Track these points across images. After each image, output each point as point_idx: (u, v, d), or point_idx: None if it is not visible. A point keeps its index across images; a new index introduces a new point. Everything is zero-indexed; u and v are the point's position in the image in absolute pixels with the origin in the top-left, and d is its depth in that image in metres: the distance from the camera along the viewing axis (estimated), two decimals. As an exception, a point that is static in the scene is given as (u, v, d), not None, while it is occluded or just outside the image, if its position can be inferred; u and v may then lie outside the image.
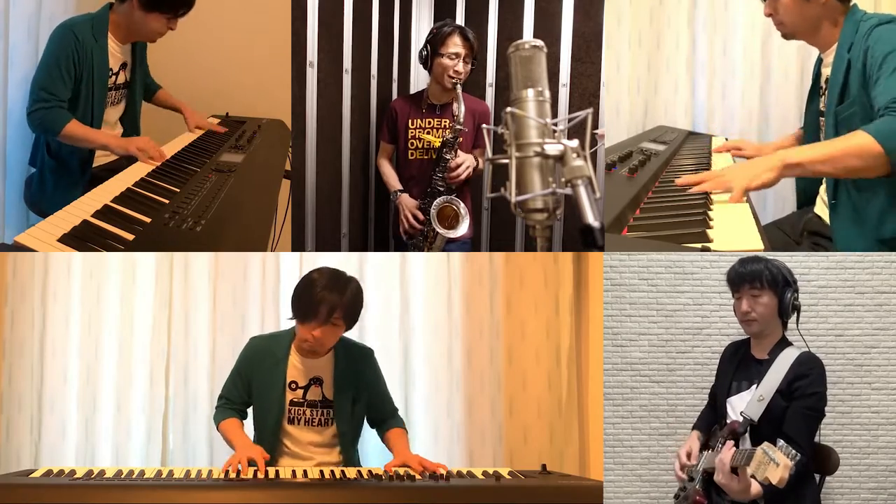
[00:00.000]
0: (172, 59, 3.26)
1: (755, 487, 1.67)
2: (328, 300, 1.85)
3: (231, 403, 2.05)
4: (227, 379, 2.08)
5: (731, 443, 1.76)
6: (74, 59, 2.42)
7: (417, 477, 1.70)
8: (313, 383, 2.00)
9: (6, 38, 2.53)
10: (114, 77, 2.62)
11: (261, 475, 1.72)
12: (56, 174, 2.56)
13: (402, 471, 1.73)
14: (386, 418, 2.10)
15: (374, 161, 3.32)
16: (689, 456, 1.97)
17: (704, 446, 1.97)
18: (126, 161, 2.68)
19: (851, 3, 2.17)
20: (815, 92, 2.43)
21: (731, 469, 1.69)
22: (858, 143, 1.82)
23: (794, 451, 1.59)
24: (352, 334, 2.24)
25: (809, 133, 2.48)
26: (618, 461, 2.61)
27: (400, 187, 2.98)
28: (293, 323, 1.97)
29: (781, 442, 1.66)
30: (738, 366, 1.97)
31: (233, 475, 1.69)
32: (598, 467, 2.56)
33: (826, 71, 2.26)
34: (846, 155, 1.84)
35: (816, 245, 2.37)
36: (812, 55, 3.60)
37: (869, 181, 2.02)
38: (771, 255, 1.94)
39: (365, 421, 2.10)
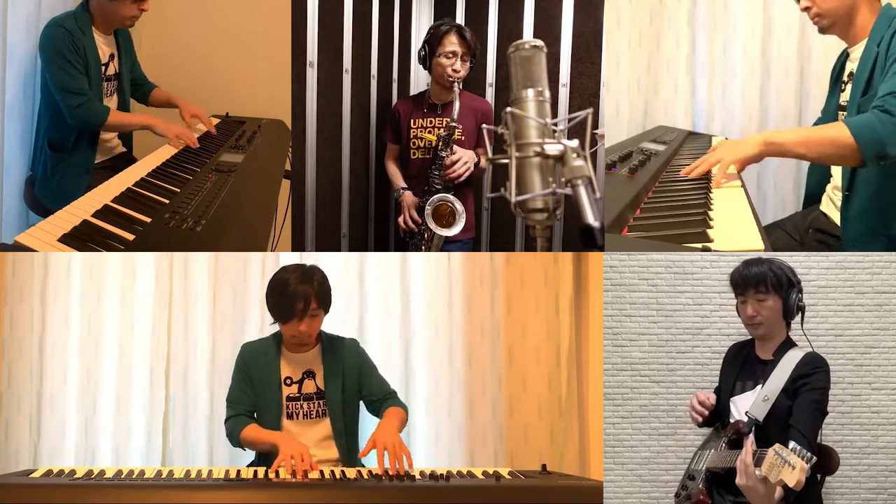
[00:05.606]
0: (172, 59, 3.26)
1: (778, 492, 1.62)
2: (301, 294, 1.94)
3: (242, 407, 2.05)
4: (231, 388, 2.09)
5: (749, 442, 1.71)
6: (75, 52, 2.44)
7: (417, 477, 1.70)
8: (306, 377, 2.05)
9: (4, 38, 2.53)
10: (104, 68, 2.62)
11: (312, 471, 1.74)
12: (61, 167, 2.56)
13: (402, 471, 1.73)
14: (383, 401, 2.09)
15: (374, 161, 3.32)
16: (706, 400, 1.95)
17: (703, 446, 1.97)
18: (124, 160, 2.69)
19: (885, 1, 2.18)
20: (835, 86, 2.42)
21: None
22: (835, 134, 1.93)
23: (808, 454, 1.56)
24: (353, 334, 2.26)
25: None
26: (618, 461, 2.61)
27: (404, 185, 2.97)
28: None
29: (793, 443, 1.63)
30: (742, 366, 1.95)
31: (287, 475, 1.71)
32: (598, 467, 2.56)
33: (851, 65, 2.26)
34: (822, 142, 1.96)
35: (821, 243, 2.37)
36: (812, 55, 3.64)
37: (887, 174, 2.06)
38: (769, 256, 1.94)
39: (367, 414, 2.11)
